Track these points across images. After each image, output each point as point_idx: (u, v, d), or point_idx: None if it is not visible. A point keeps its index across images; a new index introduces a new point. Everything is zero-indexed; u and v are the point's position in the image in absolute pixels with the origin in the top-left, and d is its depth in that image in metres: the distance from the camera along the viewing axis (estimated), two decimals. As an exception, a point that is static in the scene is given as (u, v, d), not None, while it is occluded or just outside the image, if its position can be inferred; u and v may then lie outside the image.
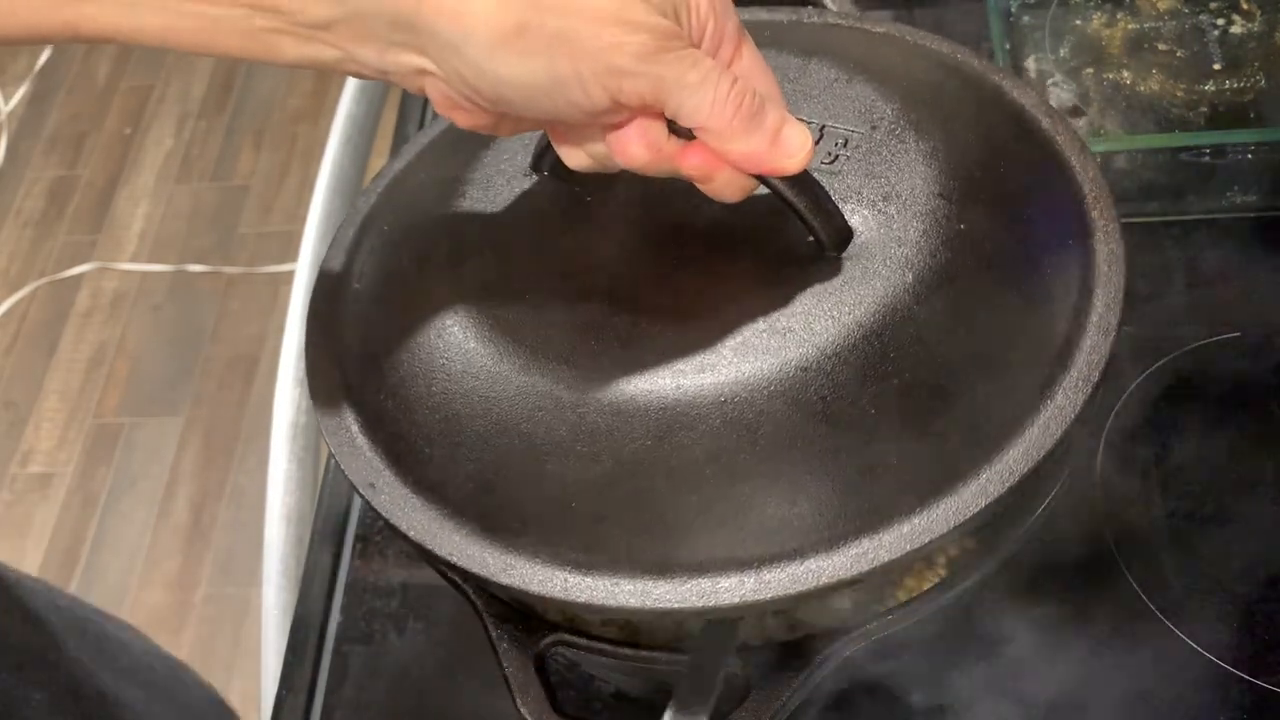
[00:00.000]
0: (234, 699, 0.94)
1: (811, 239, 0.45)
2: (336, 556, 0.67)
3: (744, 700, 0.44)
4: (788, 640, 0.46)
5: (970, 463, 0.42)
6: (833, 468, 0.42)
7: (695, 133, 0.42)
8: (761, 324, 0.44)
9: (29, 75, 2.20)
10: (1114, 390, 0.65)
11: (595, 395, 0.44)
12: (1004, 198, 0.48)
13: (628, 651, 0.47)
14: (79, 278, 1.91)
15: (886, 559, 0.41)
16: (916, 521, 0.42)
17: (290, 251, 1.84)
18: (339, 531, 0.68)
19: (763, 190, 0.44)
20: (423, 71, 0.41)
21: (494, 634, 0.46)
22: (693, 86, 0.40)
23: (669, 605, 0.41)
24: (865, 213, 0.46)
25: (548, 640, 0.46)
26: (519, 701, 0.45)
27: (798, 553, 0.41)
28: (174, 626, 1.52)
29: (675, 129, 0.42)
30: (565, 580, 0.42)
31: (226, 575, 1.57)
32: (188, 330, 1.82)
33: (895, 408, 0.42)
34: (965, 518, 0.41)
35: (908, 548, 0.41)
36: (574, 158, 0.46)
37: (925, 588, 0.48)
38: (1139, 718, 0.55)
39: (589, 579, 0.42)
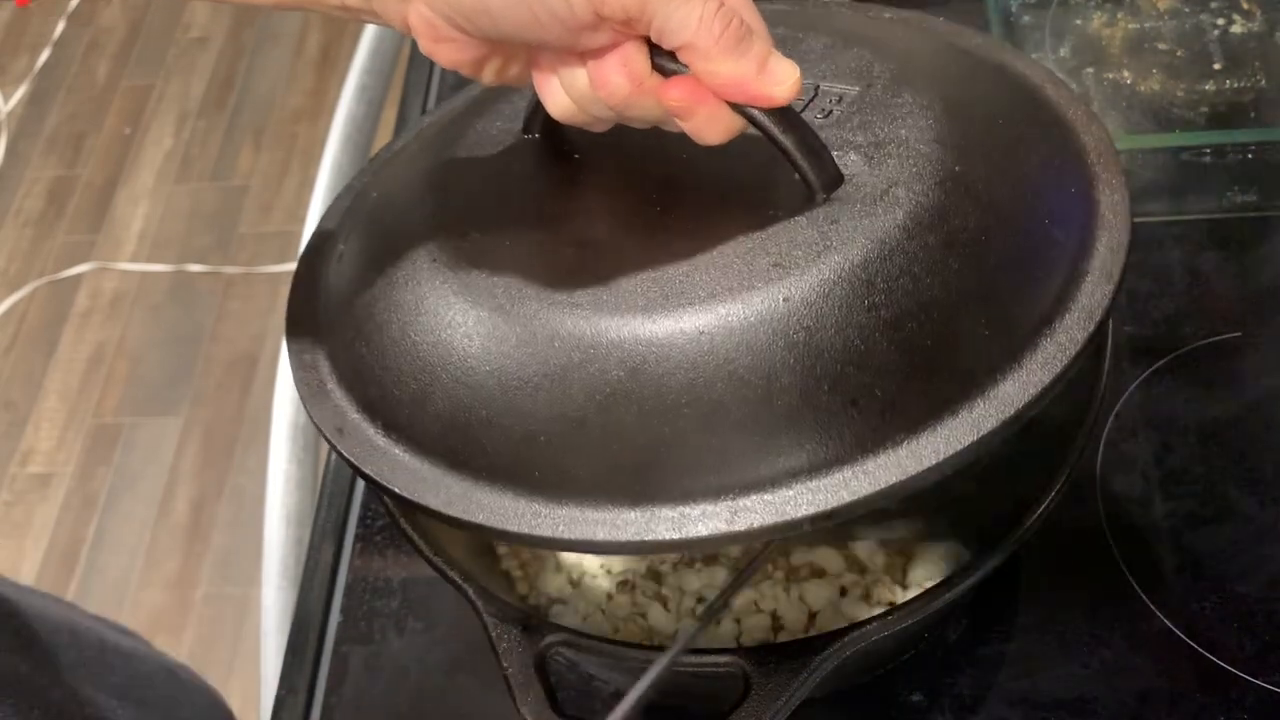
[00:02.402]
0: (234, 699, 0.94)
1: (800, 180, 0.44)
2: (336, 556, 0.67)
3: (744, 700, 0.44)
4: (788, 640, 0.46)
5: (962, 397, 0.41)
6: (815, 400, 0.40)
7: (679, 54, 0.41)
8: (744, 260, 0.42)
9: (29, 75, 2.20)
10: (1114, 390, 0.65)
11: (568, 331, 0.42)
12: (1003, 147, 0.47)
13: (629, 652, 0.47)
14: (78, 278, 1.91)
15: (869, 491, 0.39)
16: (902, 453, 0.40)
17: (290, 251, 1.85)
18: (339, 531, 0.68)
19: (751, 141, 0.43)
20: None
21: (494, 634, 0.46)
22: None
23: (640, 538, 0.40)
24: (856, 158, 0.45)
25: (548, 640, 0.46)
26: (519, 701, 0.45)
27: (775, 484, 0.40)
28: (174, 626, 1.52)
29: (658, 65, 0.42)
30: (533, 513, 0.41)
31: (226, 575, 1.57)
32: (187, 330, 1.82)
33: (882, 340, 0.41)
34: (955, 450, 0.39)
35: (892, 480, 0.39)
36: (557, 101, 0.45)
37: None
38: (1139, 718, 0.55)
39: (557, 512, 0.41)
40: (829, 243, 0.42)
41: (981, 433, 0.40)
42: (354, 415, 0.47)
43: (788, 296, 0.41)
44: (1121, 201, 0.46)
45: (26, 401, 1.78)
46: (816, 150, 0.44)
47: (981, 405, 0.41)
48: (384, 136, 0.91)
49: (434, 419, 0.44)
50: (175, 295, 1.87)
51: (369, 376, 0.47)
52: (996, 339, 0.42)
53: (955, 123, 0.46)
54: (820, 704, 0.56)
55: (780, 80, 0.41)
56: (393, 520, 0.51)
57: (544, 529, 0.41)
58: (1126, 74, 0.75)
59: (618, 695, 0.59)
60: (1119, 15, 0.78)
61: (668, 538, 0.40)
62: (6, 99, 2.16)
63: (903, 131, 0.46)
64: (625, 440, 0.41)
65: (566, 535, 0.41)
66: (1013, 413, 0.40)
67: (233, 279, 1.86)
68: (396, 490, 0.44)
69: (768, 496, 0.40)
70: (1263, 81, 0.74)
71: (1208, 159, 0.70)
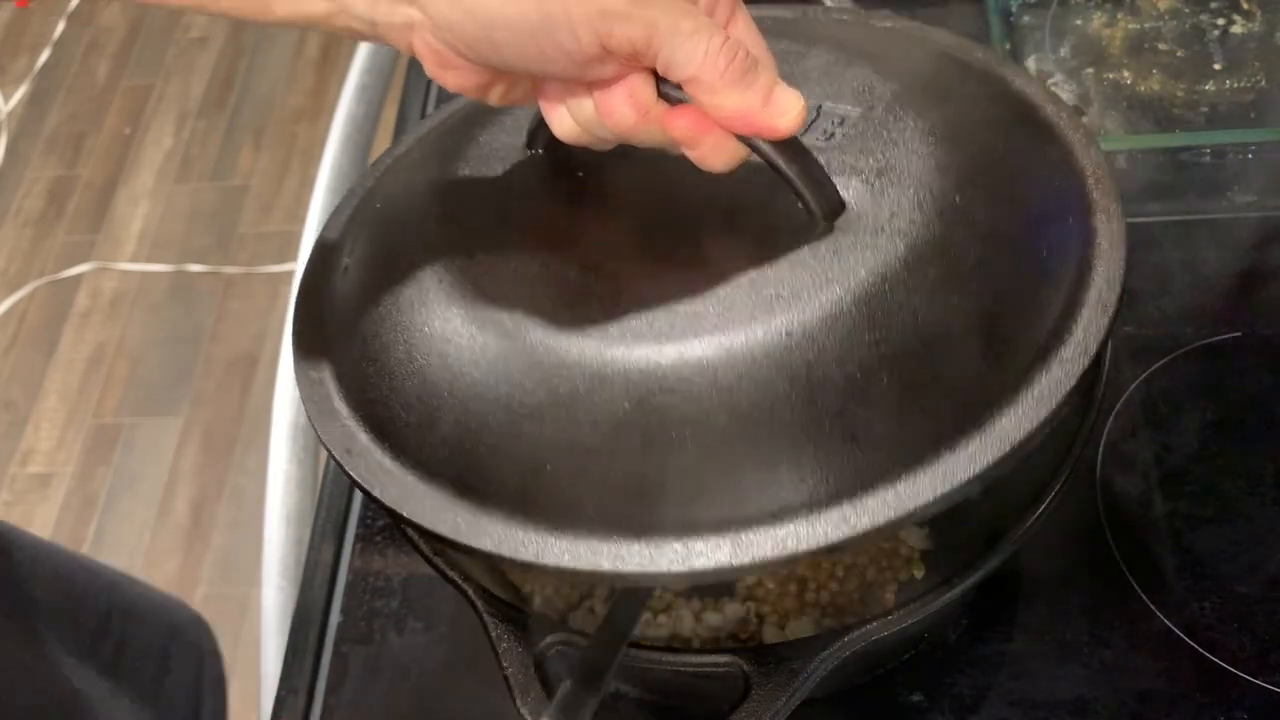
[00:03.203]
0: (234, 699, 0.94)
1: (803, 208, 0.44)
2: (336, 556, 0.67)
3: (744, 700, 0.44)
4: (788, 640, 0.46)
5: (959, 431, 0.41)
6: (815, 433, 0.41)
7: (685, 87, 0.41)
8: (747, 291, 0.43)
9: (29, 75, 2.20)
10: (1114, 390, 0.65)
11: (575, 360, 0.43)
12: (1003, 174, 0.47)
13: (629, 652, 0.47)
14: (78, 278, 1.91)
15: (868, 526, 0.40)
16: (900, 488, 0.40)
17: (290, 251, 1.85)
18: (339, 531, 0.68)
19: (755, 165, 0.43)
20: (412, 25, 0.41)
21: (494, 634, 0.46)
22: (686, 34, 0.40)
23: (644, 569, 0.40)
24: (859, 185, 0.45)
25: (548, 640, 0.46)
26: (519, 701, 0.45)
27: (777, 518, 0.40)
28: (174, 626, 1.52)
29: (664, 94, 0.42)
30: (538, 543, 0.41)
31: (226, 575, 1.57)
32: (187, 330, 1.82)
33: (882, 375, 0.41)
34: (951, 486, 0.40)
35: (891, 515, 0.40)
36: (563, 125, 0.45)
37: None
38: (1139, 718, 0.55)
39: (562, 541, 0.41)
40: (830, 275, 0.43)
41: (978, 468, 0.40)
42: (362, 436, 0.47)
43: (790, 330, 0.42)
44: (1118, 230, 0.47)
45: (26, 401, 1.78)
46: (820, 180, 0.44)
47: (978, 440, 0.41)
48: (384, 136, 0.91)
49: (441, 444, 0.44)
50: (175, 295, 1.87)
51: (376, 397, 0.47)
52: (994, 373, 0.42)
53: (956, 148, 0.47)
54: (820, 704, 0.56)
55: (785, 112, 0.42)
56: (393, 521, 0.51)
57: (549, 558, 0.41)
58: (1126, 74, 0.75)
59: (618, 695, 0.59)
60: (1119, 15, 0.78)
61: (672, 570, 0.40)
62: (6, 99, 2.16)
63: (904, 157, 0.46)
64: (630, 471, 0.41)
65: (572, 565, 0.41)
66: (1009, 448, 0.41)
67: (233, 279, 1.86)
68: (405, 515, 0.44)
69: (770, 530, 0.40)
70: (1263, 82, 0.74)
71: (1207, 159, 0.70)
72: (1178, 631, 0.57)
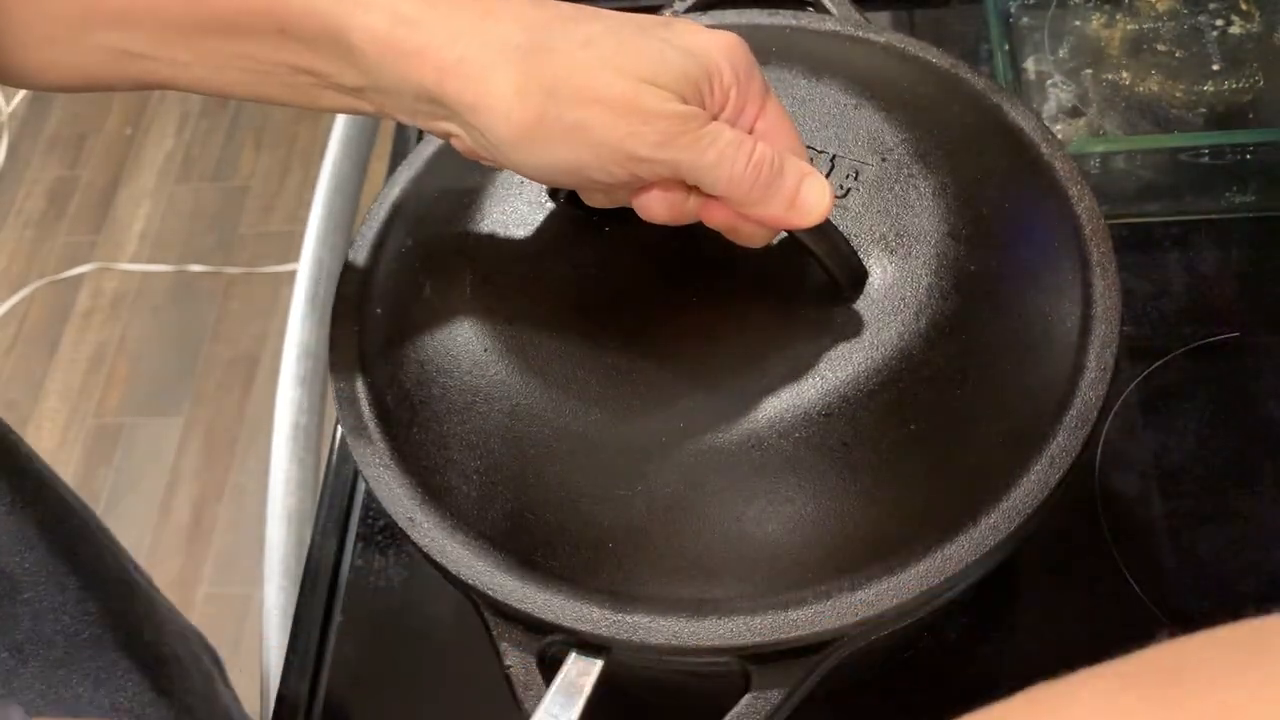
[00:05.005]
0: (235, 699, 0.94)
1: (830, 280, 0.47)
2: (337, 556, 0.67)
3: (744, 700, 0.44)
4: (787, 640, 0.46)
5: (980, 507, 0.44)
6: (855, 512, 0.43)
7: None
8: (783, 367, 0.45)
9: (29, 75, 2.20)
10: (1114, 390, 0.65)
11: (626, 440, 0.45)
12: (1008, 236, 0.50)
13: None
14: (79, 278, 1.91)
15: (903, 599, 0.43)
16: (933, 561, 0.43)
17: (290, 251, 1.84)
18: (340, 531, 0.68)
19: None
20: (449, 134, 0.44)
21: (495, 632, 0.46)
22: (708, 166, 0.41)
23: (703, 643, 0.43)
24: (879, 253, 0.48)
25: (549, 639, 0.46)
26: (521, 700, 0.45)
27: (825, 594, 0.43)
28: (175, 626, 1.52)
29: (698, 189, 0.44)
30: (606, 618, 0.44)
31: (227, 575, 1.57)
32: (188, 330, 1.82)
33: (913, 453, 0.44)
34: (980, 554, 0.43)
35: (924, 587, 0.43)
36: (595, 201, 0.47)
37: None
38: (1138, 717, 0.55)
39: (630, 618, 0.44)
40: (860, 355, 0.45)
41: (1000, 537, 0.43)
42: (422, 505, 0.48)
43: (827, 413, 0.44)
44: (1112, 286, 0.49)
45: (28, 402, 1.78)
46: (845, 254, 0.46)
47: (999, 512, 0.44)
48: (384, 138, 0.92)
49: (503, 517, 0.46)
50: (176, 295, 1.87)
51: (431, 465, 0.48)
52: (1005, 445, 0.45)
53: (966, 209, 0.49)
54: (820, 704, 0.56)
55: (810, 210, 0.44)
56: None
57: (620, 633, 0.44)
58: (1125, 75, 0.75)
59: (621, 693, 0.59)
60: (1118, 16, 0.78)
61: (731, 644, 0.43)
62: (8, 100, 2.16)
63: (918, 221, 0.48)
64: (687, 551, 0.44)
65: (641, 640, 0.43)
66: (1025, 517, 0.44)
67: (234, 279, 1.86)
68: (477, 586, 0.45)
69: (819, 607, 0.43)
70: (1261, 82, 0.74)
71: (1206, 160, 0.70)
72: (1178, 632, 0.57)
